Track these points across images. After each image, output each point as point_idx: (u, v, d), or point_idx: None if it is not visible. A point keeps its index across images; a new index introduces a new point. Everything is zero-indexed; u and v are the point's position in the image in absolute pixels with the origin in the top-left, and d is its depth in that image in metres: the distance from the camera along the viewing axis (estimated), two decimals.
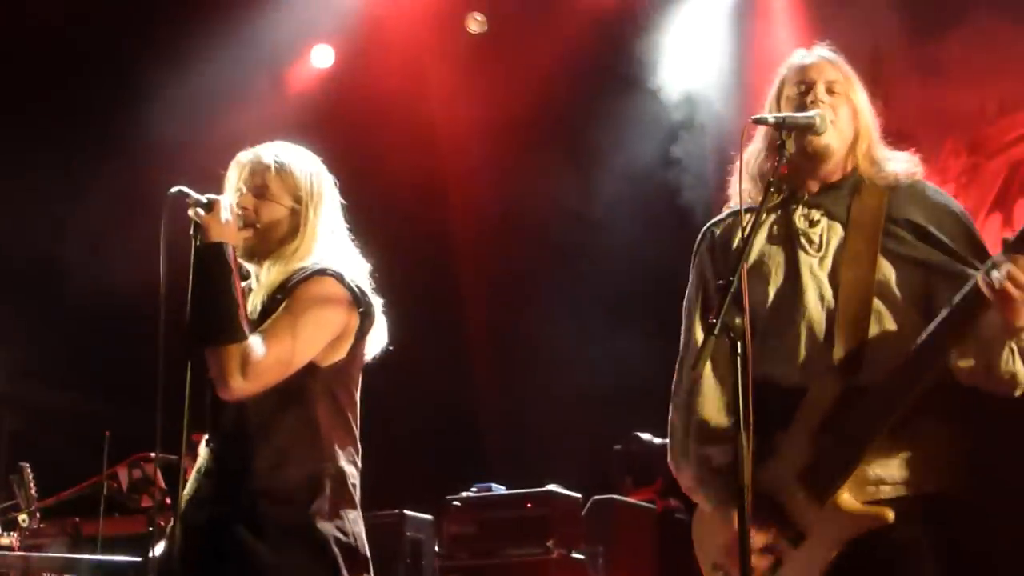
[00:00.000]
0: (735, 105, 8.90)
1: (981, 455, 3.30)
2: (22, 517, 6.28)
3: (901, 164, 3.52)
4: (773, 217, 3.55)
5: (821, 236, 3.46)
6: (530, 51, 9.36)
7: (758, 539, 3.27)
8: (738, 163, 3.41)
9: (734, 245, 3.52)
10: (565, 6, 9.41)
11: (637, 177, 8.98)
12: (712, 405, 3.51)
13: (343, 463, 3.70)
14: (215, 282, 3.55)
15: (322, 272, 3.73)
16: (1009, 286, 3.03)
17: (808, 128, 3.38)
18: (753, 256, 3.49)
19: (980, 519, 3.27)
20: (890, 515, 3.21)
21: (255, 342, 3.53)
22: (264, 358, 3.53)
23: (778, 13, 8.99)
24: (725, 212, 3.70)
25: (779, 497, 3.30)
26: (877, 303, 3.33)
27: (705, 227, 3.73)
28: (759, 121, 3.33)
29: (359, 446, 3.79)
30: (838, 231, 3.45)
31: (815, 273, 3.42)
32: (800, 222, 3.50)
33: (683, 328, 3.67)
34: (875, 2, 8.38)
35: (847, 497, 3.24)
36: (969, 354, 3.21)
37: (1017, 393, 3.22)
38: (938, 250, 3.34)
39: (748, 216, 3.31)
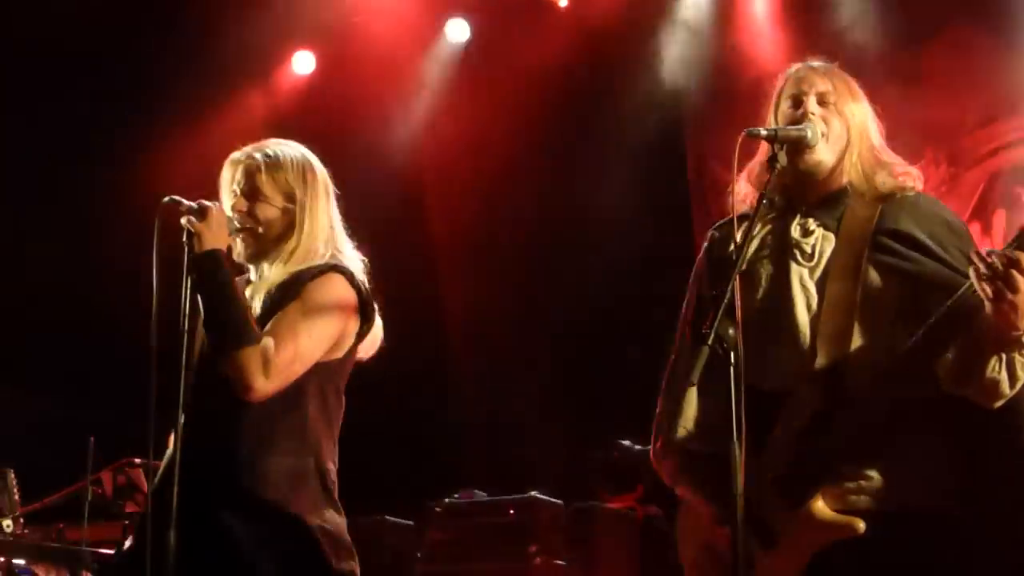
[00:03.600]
0: (718, 113, 8.94)
1: (962, 472, 3.30)
2: (6, 523, 6.23)
3: (893, 176, 3.53)
4: (770, 227, 3.58)
5: (814, 246, 3.47)
6: (513, 59, 9.38)
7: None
8: (734, 173, 3.43)
9: (731, 251, 3.53)
10: (549, 14, 9.42)
11: (623, 188, 8.99)
12: (698, 411, 3.51)
13: (325, 460, 3.70)
14: (220, 290, 3.56)
15: (334, 268, 3.73)
16: (1003, 287, 3.02)
17: (800, 141, 3.42)
18: (747, 265, 3.49)
19: (956, 538, 3.26)
20: (861, 526, 3.22)
21: (271, 342, 3.54)
22: (283, 356, 3.53)
23: (759, 22, 9.02)
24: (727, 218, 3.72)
25: (754, 500, 3.27)
26: (861, 314, 3.33)
27: (711, 229, 3.75)
28: (752, 135, 3.35)
29: (336, 447, 3.79)
30: (832, 241, 3.47)
31: (805, 283, 3.44)
32: (795, 232, 3.52)
33: (678, 329, 3.68)
34: (855, 12, 8.41)
35: (820, 505, 3.25)
36: (955, 356, 3.19)
37: (997, 404, 3.20)
38: (929, 259, 3.34)
39: (742, 225, 3.34)
